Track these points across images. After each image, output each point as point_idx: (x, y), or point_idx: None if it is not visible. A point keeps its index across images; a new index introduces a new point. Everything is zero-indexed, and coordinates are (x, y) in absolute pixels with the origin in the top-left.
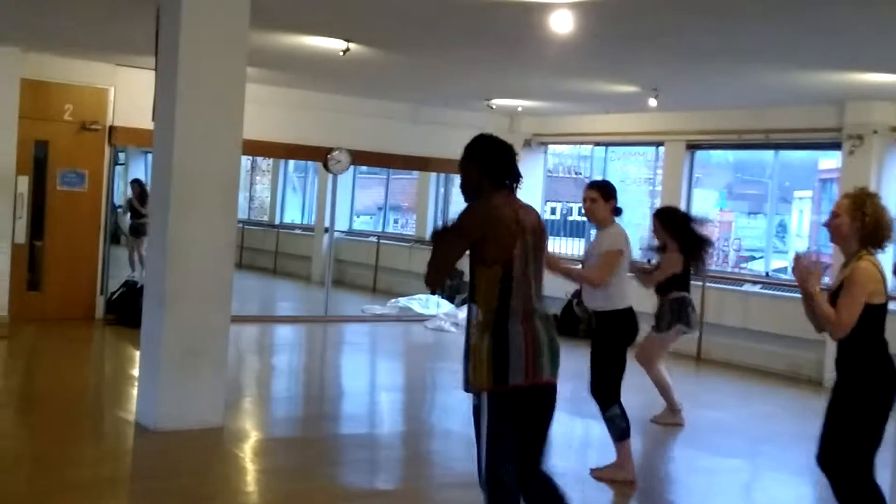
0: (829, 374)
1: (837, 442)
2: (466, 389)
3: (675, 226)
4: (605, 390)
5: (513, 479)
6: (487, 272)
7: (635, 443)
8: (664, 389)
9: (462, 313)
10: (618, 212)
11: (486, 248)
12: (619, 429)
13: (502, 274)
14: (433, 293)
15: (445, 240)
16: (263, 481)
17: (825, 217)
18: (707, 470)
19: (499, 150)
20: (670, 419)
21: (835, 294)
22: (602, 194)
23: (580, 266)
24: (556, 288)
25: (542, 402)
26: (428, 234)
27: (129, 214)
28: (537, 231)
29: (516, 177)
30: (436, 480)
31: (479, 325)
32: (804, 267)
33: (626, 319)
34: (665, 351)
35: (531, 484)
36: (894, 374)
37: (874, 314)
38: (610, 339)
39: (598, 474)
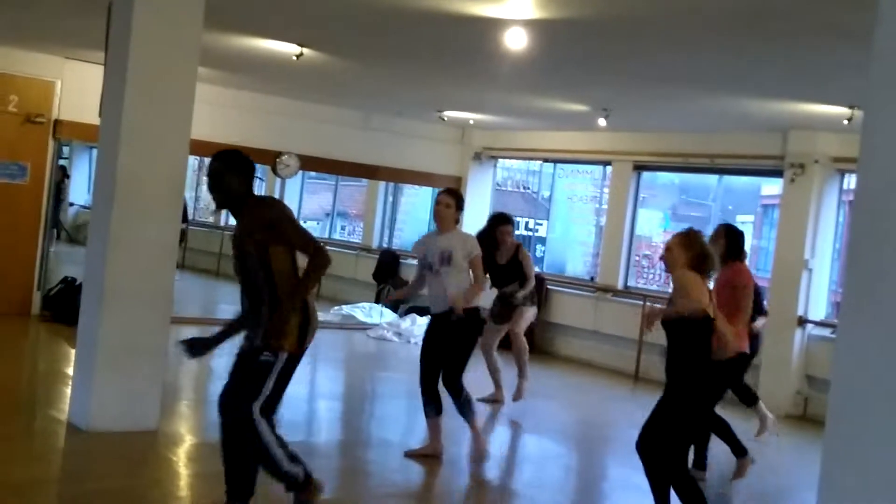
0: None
1: (660, 434)
2: (251, 348)
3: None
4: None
5: (262, 421)
6: (289, 252)
7: (570, 460)
8: (494, 372)
9: (405, 323)
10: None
11: (287, 232)
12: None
13: (292, 256)
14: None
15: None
16: (196, 486)
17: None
18: (640, 488)
19: (250, 165)
20: (493, 397)
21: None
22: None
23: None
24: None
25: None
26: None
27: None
28: None
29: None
30: (372, 491)
31: (287, 296)
32: (647, 315)
33: (470, 321)
34: (497, 339)
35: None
36: (717, 378)
37: (697, 323)
38: (453, 338)
39: (411, 453)
